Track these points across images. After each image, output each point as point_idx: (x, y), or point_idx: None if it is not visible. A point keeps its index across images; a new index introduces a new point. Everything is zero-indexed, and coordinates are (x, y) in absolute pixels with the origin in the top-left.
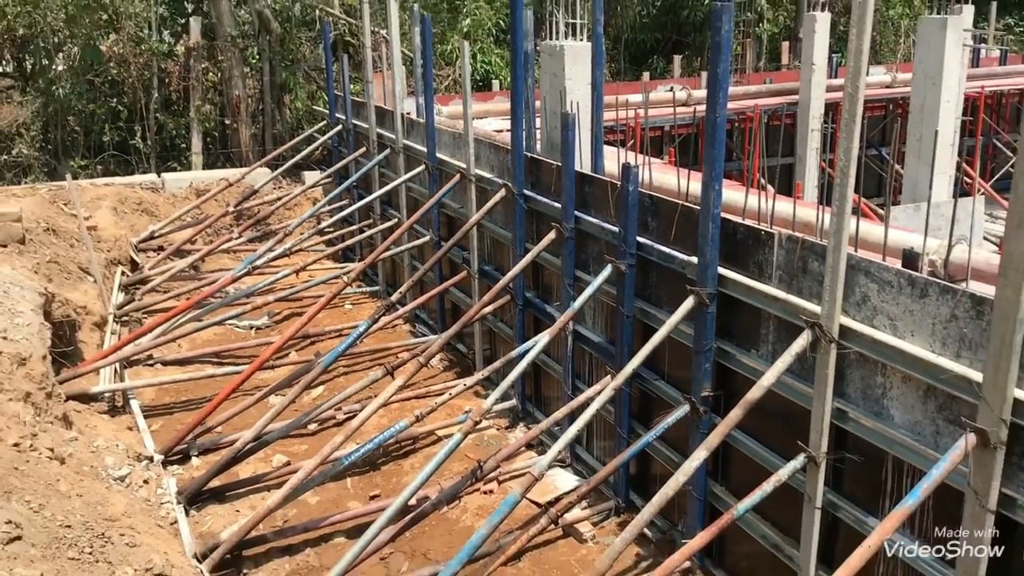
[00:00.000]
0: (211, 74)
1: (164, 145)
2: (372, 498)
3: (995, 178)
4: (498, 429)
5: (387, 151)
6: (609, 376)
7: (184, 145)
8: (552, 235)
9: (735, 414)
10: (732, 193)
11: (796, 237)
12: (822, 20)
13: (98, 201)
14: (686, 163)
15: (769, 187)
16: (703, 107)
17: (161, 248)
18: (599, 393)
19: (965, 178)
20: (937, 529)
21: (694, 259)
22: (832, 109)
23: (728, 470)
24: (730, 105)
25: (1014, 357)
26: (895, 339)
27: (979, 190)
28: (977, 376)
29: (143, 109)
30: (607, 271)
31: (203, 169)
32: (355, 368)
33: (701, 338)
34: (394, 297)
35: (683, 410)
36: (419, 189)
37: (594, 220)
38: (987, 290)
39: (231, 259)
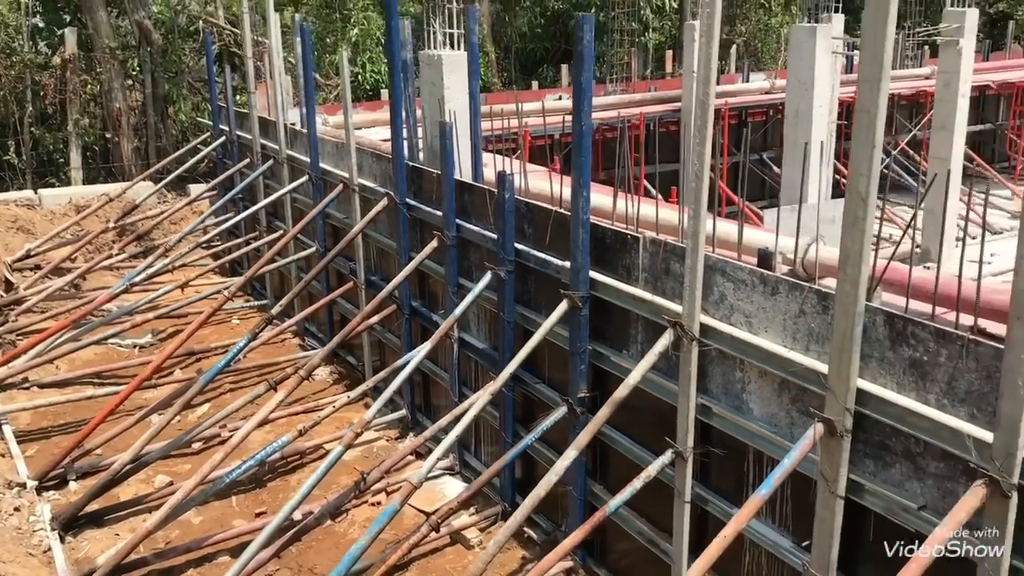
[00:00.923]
0: (89, 87)
1: (41, 160)
2: (258, 515)
3: None
4: (388, 440)
5: (271, 162)
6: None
7: (63, 160)
8: (434, 243)
9: (603, 413)
10: (602, 198)
11: (659, 240)
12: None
13: None
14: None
15: (652, 192)
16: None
17: (38, 267)
18: (479, 397)
19: (842, 179)
20: (794, 517)
21: (568, 264)
22: (719, 115)
23: (606, 469)
24: (616, 113)
25: (855, 349)
26: (750, 335)
27: None
28: (823, 368)
29: (17, 123)
30: (487, 278)
31: (84, 184)
32: (242, 384)
33: (576, 340)
34: (275, 310)
35: (561, 411)
36: (305, 200)
37: (475, 228)
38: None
39: (114, 276)
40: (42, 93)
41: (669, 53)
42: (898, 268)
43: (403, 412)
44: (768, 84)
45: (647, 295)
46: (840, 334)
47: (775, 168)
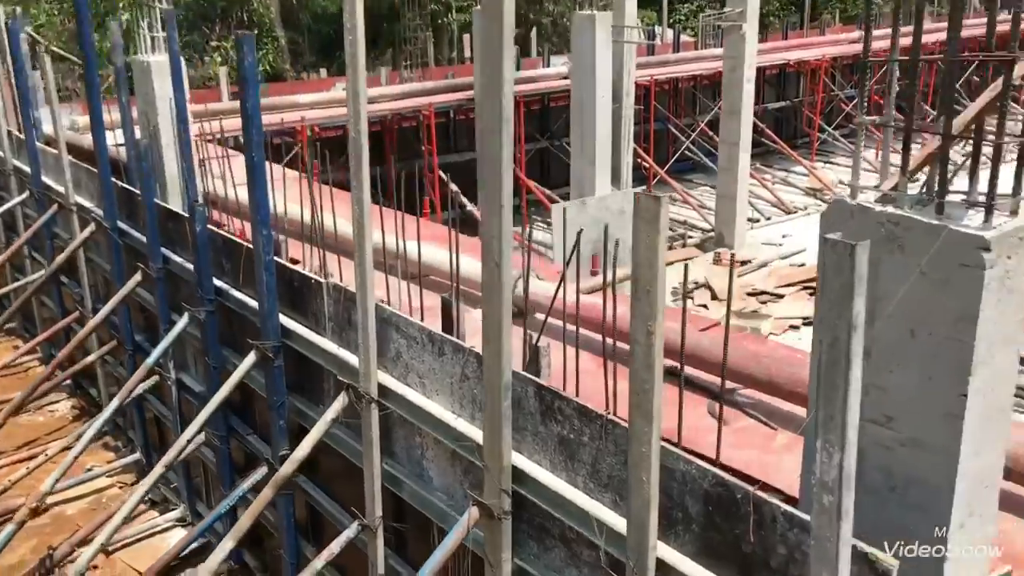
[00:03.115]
0: None
1: None
2: None
3: (672, 161)
4: (120, 487)
5: None
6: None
7: None
8: (138, 276)
9: (285, 471)
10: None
11: (340, 286)
12: None
13: None
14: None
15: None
16: (379, 106)
17: None
18: (187, 444)
19: (643, 164)
20: None
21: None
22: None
23: (319, 533)
24: (407, 103)
25: (505, 425)
26: (423, 398)
27: (655, 176)
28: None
29: None
30: (184, 319)
31: None
32: None
33: (272, 393)
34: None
35: (262, 471)
36: (35, 217)
37: (179, 259)
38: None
39: None
40: None
41: (467, 36)
42: (590, 304)
43: (137, 455)
44: (566, 69)
45: (332, 347)
46: (490, 408)
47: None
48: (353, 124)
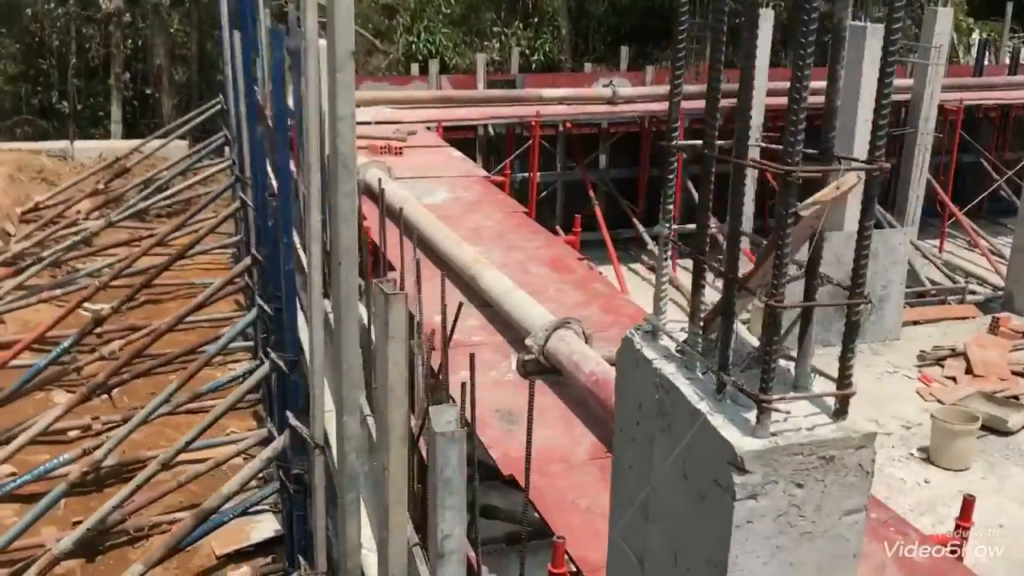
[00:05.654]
0: (129, 42)
1: (84, 113)
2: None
3: (978, 200)
4: (245, 459)
5: None
6: None
7: (103, 114)
8: None
9: None
10: None
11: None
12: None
13: None
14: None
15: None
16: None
17: (55, 221)
18: None
19: (939, 200)
20: None
21: None
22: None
23: None
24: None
25: None
26: None
27: (951, 216)
28: None
29: (64, 74)
30: None
31: (124, 139)
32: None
33: None
34: None
35: None
36: None
37: None
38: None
39: (128, 233)
40: (87, 46)
41: None
42: None
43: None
44: None
45: None
46: None
47: None
48: None
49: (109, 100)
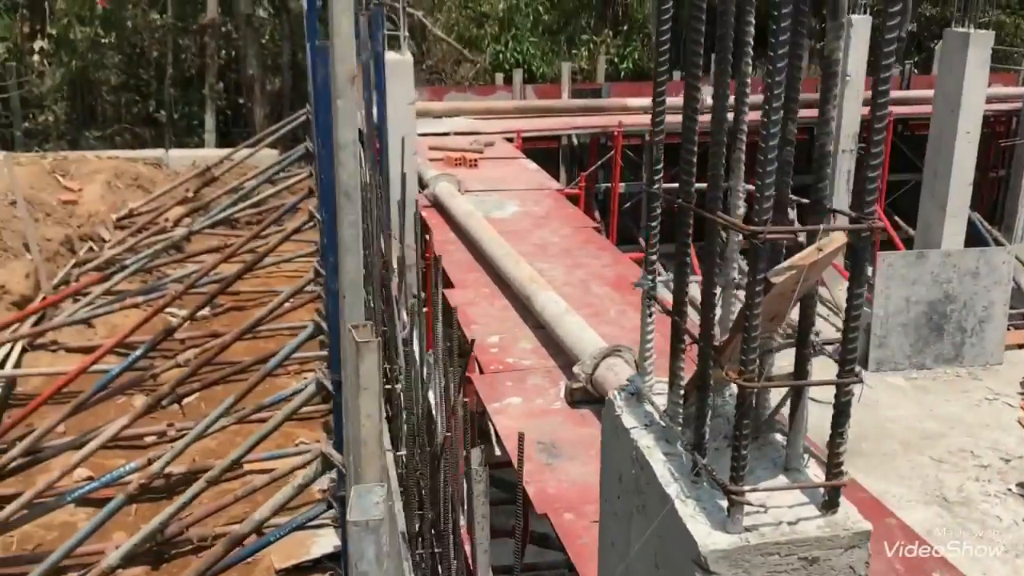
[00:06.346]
0: (223, 52)
1: (179, 123)
2: None
3: None
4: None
5: None
6: None
7: (197, 123)
8: None
9: None
10: None
11: None
12: None
13: (94, 175)
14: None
15: None
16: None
17: (147, 227)
18: None
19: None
20: None
21: None
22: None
23: None
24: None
25: None
26: None
27: None
28: None
29: (161, 84)
30: None
31: (217, 147)
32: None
33: None
34: None
35: None
36: None
37: None
38: None
39: (218, 240)
40: (183, 57)
41: None
42: None
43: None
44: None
45: None
46: None
47: None
48: None
49: (204, 109)
